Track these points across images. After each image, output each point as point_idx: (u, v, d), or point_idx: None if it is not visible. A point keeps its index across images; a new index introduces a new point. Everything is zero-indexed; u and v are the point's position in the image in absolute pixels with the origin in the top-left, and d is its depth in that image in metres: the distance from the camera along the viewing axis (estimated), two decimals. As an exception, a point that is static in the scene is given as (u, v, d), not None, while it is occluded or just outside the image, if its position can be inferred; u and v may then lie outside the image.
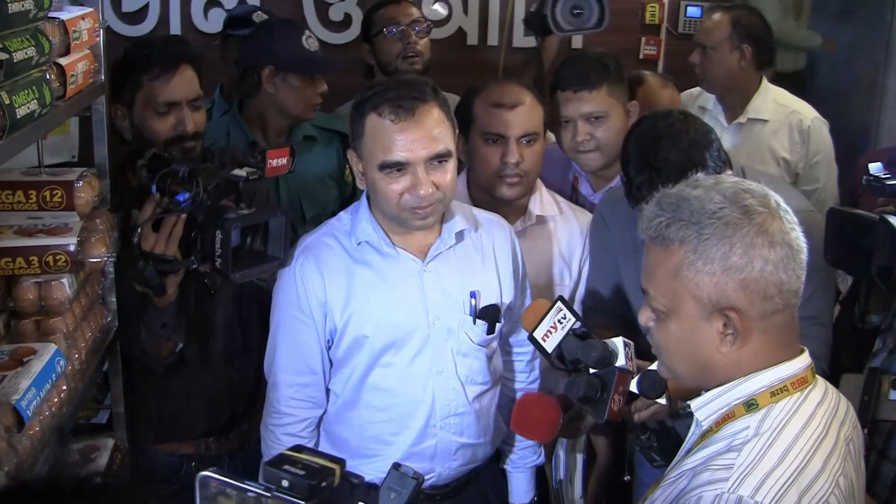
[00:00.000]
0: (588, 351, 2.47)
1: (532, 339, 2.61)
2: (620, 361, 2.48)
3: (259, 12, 4.31)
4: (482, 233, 2.89)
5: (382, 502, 1.78)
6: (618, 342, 2.49)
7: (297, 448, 1.49)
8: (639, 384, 2.43)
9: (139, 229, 2.67)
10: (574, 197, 3.62)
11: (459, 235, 2.83)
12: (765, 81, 4.35)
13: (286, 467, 1.41)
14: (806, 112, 4.36)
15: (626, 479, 3.31)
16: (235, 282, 2.73)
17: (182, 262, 2.72)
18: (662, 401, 2.47)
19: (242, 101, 3.96)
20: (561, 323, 2.58)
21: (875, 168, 2.89)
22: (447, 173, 2.66)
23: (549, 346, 2.58)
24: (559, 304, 2.60)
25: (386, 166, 2.62)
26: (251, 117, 3.91)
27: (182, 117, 2.99)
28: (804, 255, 1.89)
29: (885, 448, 2.93)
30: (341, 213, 2.87)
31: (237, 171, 2.72)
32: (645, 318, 2.03)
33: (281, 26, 3.94)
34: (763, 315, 1.87)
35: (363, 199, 2.82)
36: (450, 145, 2.67)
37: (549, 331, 2.59)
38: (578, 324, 2.58)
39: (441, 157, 2.64)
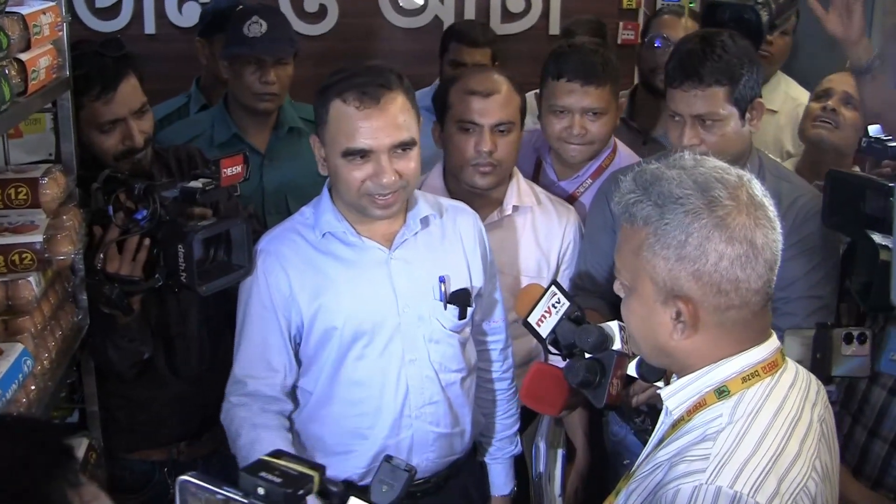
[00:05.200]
0: (584, 335, 2.44)
1: (526, 325, 2.59)
2: (617, 345, 2.43)
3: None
4: (447, 218, 2.88)
5: (374, 496, 1.75)
6: (613, 325, 2.44)
7: (277, 454, 1.46)
8: (637, 367, 2.40)
9: (101, 254, 2.67)
10: (536, 180, 3.57)
11: (424, 221, 2.81)
12: (779, 73, 4.31)
13: (263, 474, 1.37)
14: (805, 101, 4.22)
15: (625, 462, 3.31)
16: (203, 294, 2.71)
17: (148, 281, 2.72)
18: (660, 384, 2.44)
19: (227, 94, 3.96)
20: (555, 307, 2.55)
21: (875, 130, 2.86)
22: (411, 161, 2.65)
23: (544, 331, 2.56)
24: (553, 288, 2.57)
25: (349, 153, 2.61)
26: (234, 110, 3.90)
27: (129, 131, 2.94)
28: (771, 254, 1.85)
29: (875, 427, 2.91)
30: (304, 208, 2.85)
31: (193, 183, 2.71)
32: (616, 288, 2.02)
33: (236, 13, 3.90)
34: (717, 309, 1.83)
35: (324, 191, 2.79)
36: (414, 133, 2.65)
37: (543, 316, 2.56)
38: (573, 307, 2.55)
39: (405, 145, 2.62)
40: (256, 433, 2.70)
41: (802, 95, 4.33)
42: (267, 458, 1.41)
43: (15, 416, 1.96)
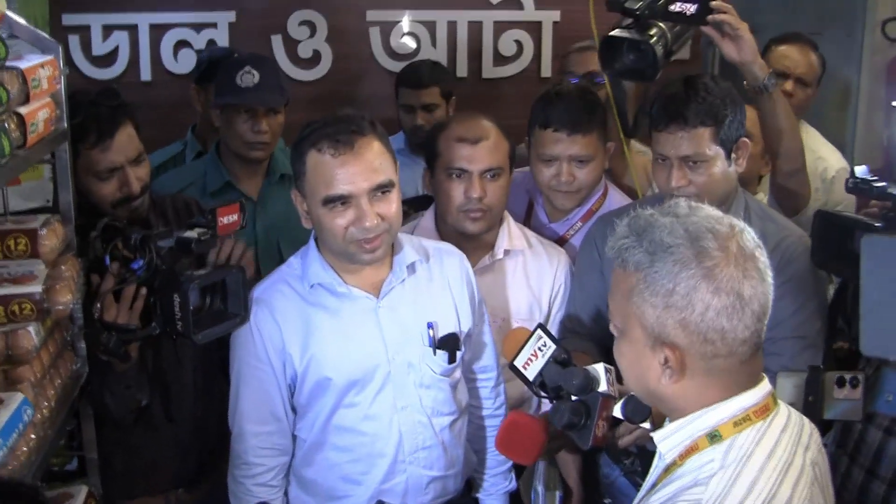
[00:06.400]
0: (570, 378, 2.46)
1: (513, 368, 2.61)
2: (602, 387, 2.46)
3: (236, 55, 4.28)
4: (434, 262, 2.90)
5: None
6: (599, 368, 2.47)
7: None
8: (623, 409, 2.42)
9: (98, 303, 2.69)
10: (528, 222, 3.61)
11: (411, 268, 2.84)
12: (802, 123, 4.27)
13: None
14: (832, 161, 4.28)
15: (606, 502, 3.31)
16: (198, 343, 2.72)
17: (144, 329, 2.74)
18: (646, 425, 2.46)
19: (220, 142, 3.99)
20: (541, 350, 2.57)
21: (861, 171, 2.89)
22: (391, 204, 2.68)
23: (531, 374, 2.58)
24: (539, 331, 2.59)
25: (329, 201, 2.64)
26: (226, 157, 3.93)
27: (126, 179, 2.98)
28: (758, 305, 1.86)
29: (873, 467, 2.91)
30: (291, 259, 2.88)
31: (188, 233, 2.74)
32: (612, 328, 2.02)
33: (227, 62, 3.93)
34: (703, 357, 1.85)
35: (311, 242, 2.82)
36: (392, 175, 2.69)
37: (529, 359, 2.58)
38: (559, 350, 2.58)
39: (384, 188, 2.66)
40: None
41: (823, 147, 4.34)
42: None
43: None
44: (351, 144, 2.63)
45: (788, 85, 4.23)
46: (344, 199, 2.64)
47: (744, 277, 1.83)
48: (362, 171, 2.63)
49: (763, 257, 1.89)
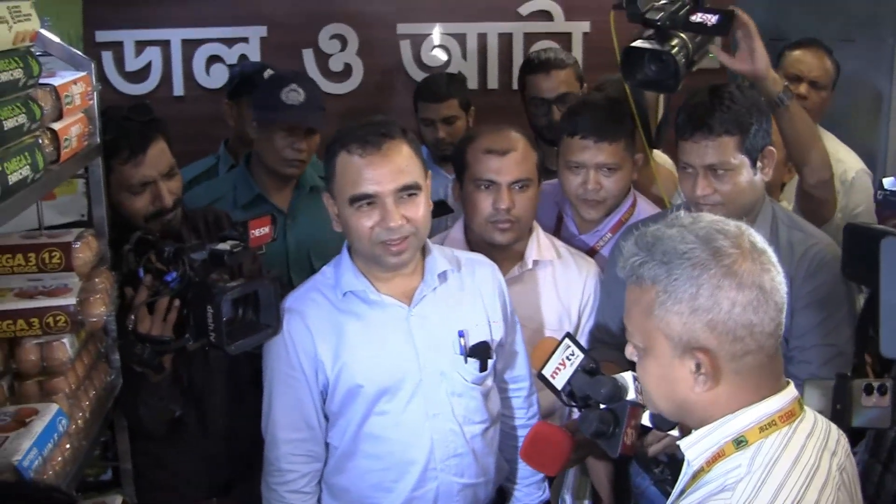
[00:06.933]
0: (598, 387, 2.47)
1: (541, 378, 2.63)
2: (631, 395, 2.47)
3: (269, 70, 4.27)
4: (466, 271, 2.92)
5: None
6: (627, 376, 2.49)
7: None
8: (651, 417, 2.43)
9: (133, 315, 2.72)
10: (557, 233, 3.61)
11: (442, 276, 2.86)
12: (819, 128, 4.22)
13: None
14: (851, 163, 4.28)
15: None
16: (231, 353, 2.74)
17: (178, 341, 2.77)
18: (675, 433, 2.47)
19: (250, 155, 4.00)
20: (569, 360, 2.59)
21: (889, 182, 2.87)
22: (418, 207, 2.71)
23: (559, 383, 2.60)
24: (567, 340, 2.61)
25: (355, 200, 2.67)
26: (256, 170, 3.95)
27: (158, 192, 3.03)
28: (779, 296, 1.88)
29: (888, 462, 2.88)
30: (324, 268, 2.90)
31: (221, 246, 2.77)
32: (629, 353, 2.04)
33: (270, 78, 3.95)
34: (734, 356, 1.86)
35: (344, 251, 2.85)
36: (419, 179, 2.72)
37: (557, 368, 2.60)
38: (587, 359, 2.59)
39: (410, 190, 2.69)
40: None
41: (840, 150, 4.31)
42: None
43: (31, 482, 2.03)
44: (378, 146, 2.67)
45: (802, 88, 4.26)
46: (370, 199, 2.67)
47: (762, 270, 1.86)
48: (389, 171, 2.66)
49: (772, 252, 1.92)
